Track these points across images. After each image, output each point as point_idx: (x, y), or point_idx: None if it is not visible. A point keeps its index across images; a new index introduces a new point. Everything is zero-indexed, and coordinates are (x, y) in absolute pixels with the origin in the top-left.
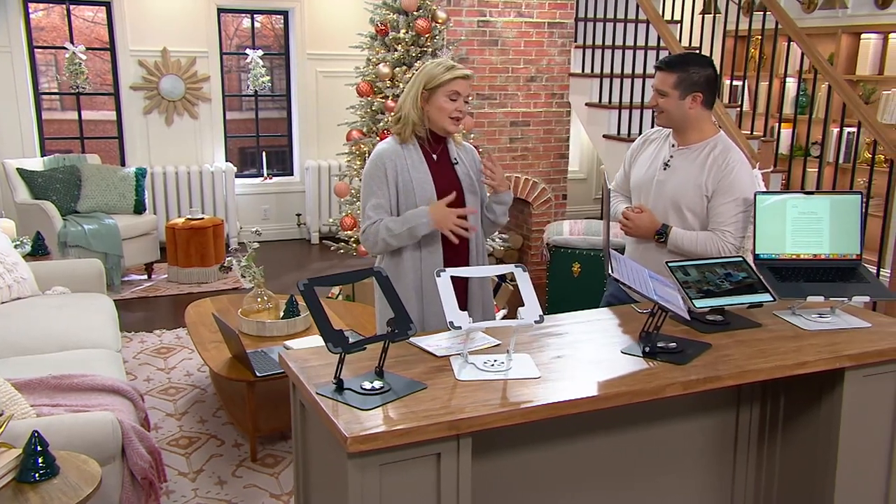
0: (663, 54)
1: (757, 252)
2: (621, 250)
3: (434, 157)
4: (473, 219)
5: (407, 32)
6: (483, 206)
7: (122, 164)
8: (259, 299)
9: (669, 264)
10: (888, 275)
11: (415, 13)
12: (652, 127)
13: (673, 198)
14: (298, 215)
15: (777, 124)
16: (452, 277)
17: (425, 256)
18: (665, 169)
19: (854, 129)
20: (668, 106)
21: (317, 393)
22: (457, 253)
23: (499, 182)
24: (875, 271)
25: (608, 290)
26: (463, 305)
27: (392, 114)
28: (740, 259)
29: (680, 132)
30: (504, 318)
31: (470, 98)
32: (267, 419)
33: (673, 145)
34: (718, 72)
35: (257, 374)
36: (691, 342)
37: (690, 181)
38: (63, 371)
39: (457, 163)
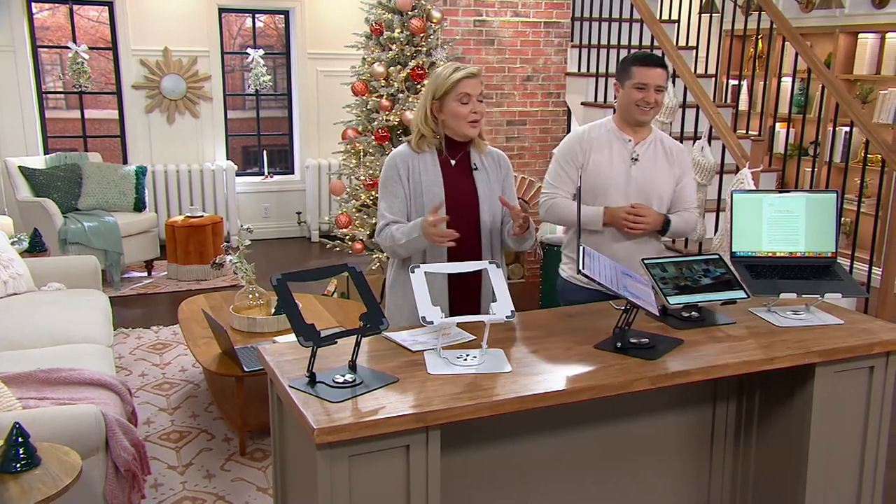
0: (657, 54)
1: (734, 249)
2: None
3: (452, 162)
4: (491, 223)
5: (401, 32)
6: (503, 226)
7: (125, 162)
8: (251, 296)
9: (645, 261)
10: (880, 273)
11: (409, 13)
12: None
13: (651, 189)
14: (299, 213)
15: (773, 123)
16: (465, 273)
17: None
18: (635, 164)
19: (849, 129)
20: (662, 100)
21: (289, 386)
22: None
23: (523, 229)
24: (867, 270)
25: None
26: (478, 301)
27: (385, 113)
28: (717, 256)
29: (639, 127)
30: None
31: (483, 96)
32: (255, 414)
33: (629, 141)
34: (715, 70)
35: (245, 369)
36: (664, 338)
37: (664, 171)
38: (53, 365)
39: (476, 168)
